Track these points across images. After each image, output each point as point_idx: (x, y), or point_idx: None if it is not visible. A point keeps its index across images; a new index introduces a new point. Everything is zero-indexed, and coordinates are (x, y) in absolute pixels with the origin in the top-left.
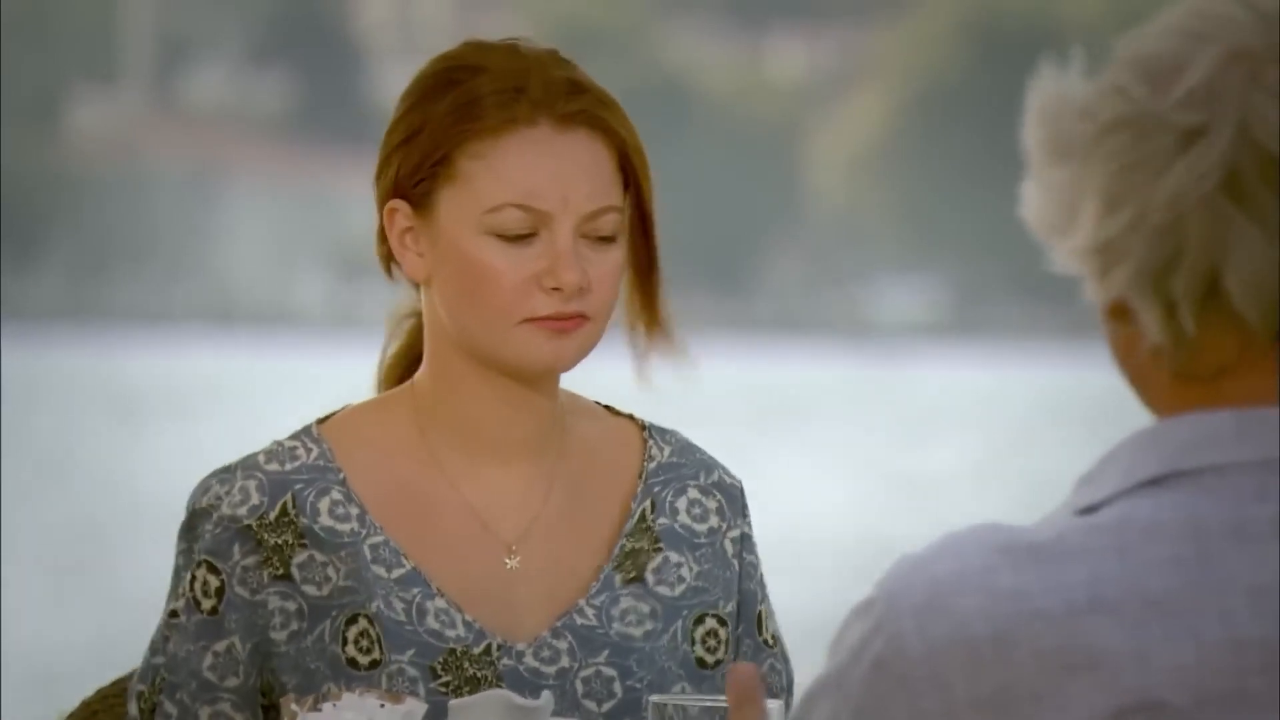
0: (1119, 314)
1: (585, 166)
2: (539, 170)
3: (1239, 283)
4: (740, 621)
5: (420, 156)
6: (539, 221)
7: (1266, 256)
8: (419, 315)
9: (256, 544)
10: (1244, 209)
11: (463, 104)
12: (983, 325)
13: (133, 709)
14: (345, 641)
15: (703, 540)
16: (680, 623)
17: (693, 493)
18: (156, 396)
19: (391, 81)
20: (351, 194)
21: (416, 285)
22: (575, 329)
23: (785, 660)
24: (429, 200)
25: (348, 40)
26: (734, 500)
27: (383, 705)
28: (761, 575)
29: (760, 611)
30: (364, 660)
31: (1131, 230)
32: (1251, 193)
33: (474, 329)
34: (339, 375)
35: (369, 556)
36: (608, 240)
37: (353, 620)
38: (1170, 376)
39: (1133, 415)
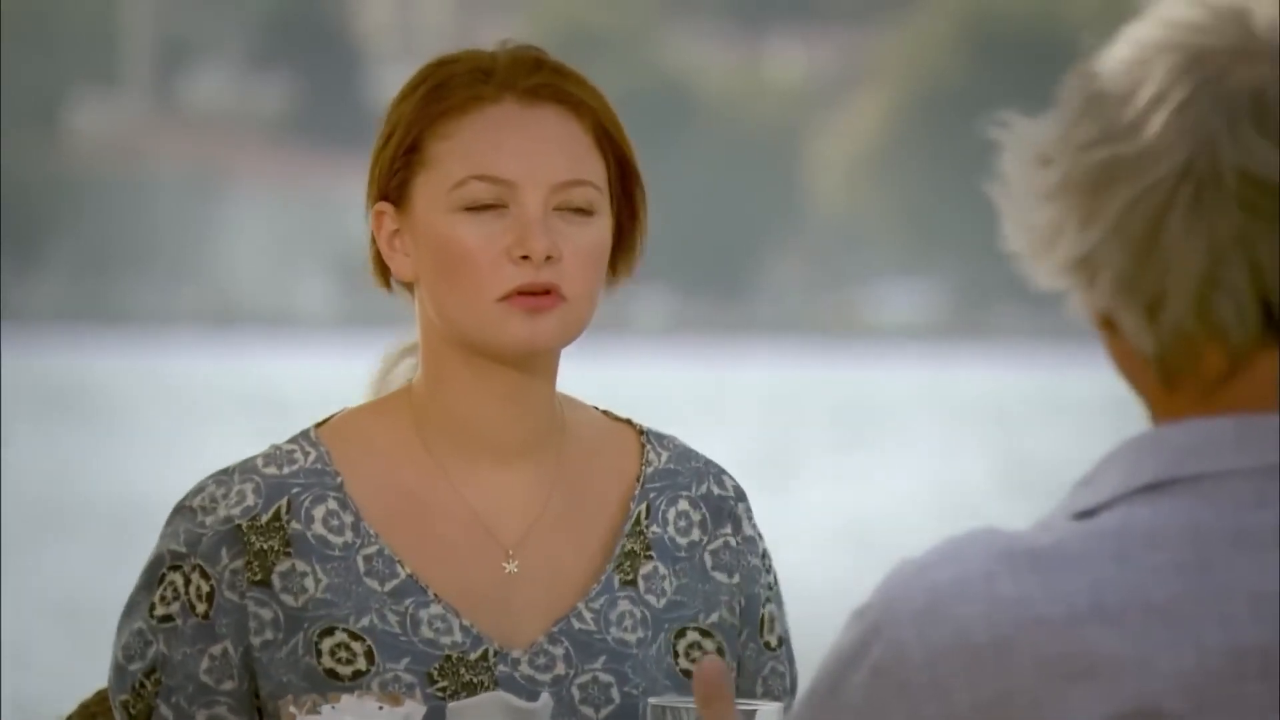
0: (1106, 324)
1: (553, 139)
2: (503, 143)
3: (1209, 287)
4: (745, 625)
5: (394, 148)
6: (506, 194)
7: (1232, 259)
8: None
9: (243, 547)
10: (1206, 213)
11: (431, 90)
12: (982, 328)
13: (121, 717)
14: (320, 654)
15: (683, 554)
16: (664, 635)
17: (682, 504)
18: (158, 399)
19: (391, 84)
20: (352, 197)
21: (410, 289)
22: (551, 307)
23: (790, 663)
24: (406, 192)
25: (348, 43)
26: (720, 512)
27: (381, 707)
28: (771, 578)
29: (764, 614)
30: (345, 671)
31: (1105, 242)
32: (1212, 197)
33: (455, 313)
34: (340, 378)
35: (362, 569)
36: (584, 215)
37: (328, 632)
38: (1160, 386)
39: (1131, 417)
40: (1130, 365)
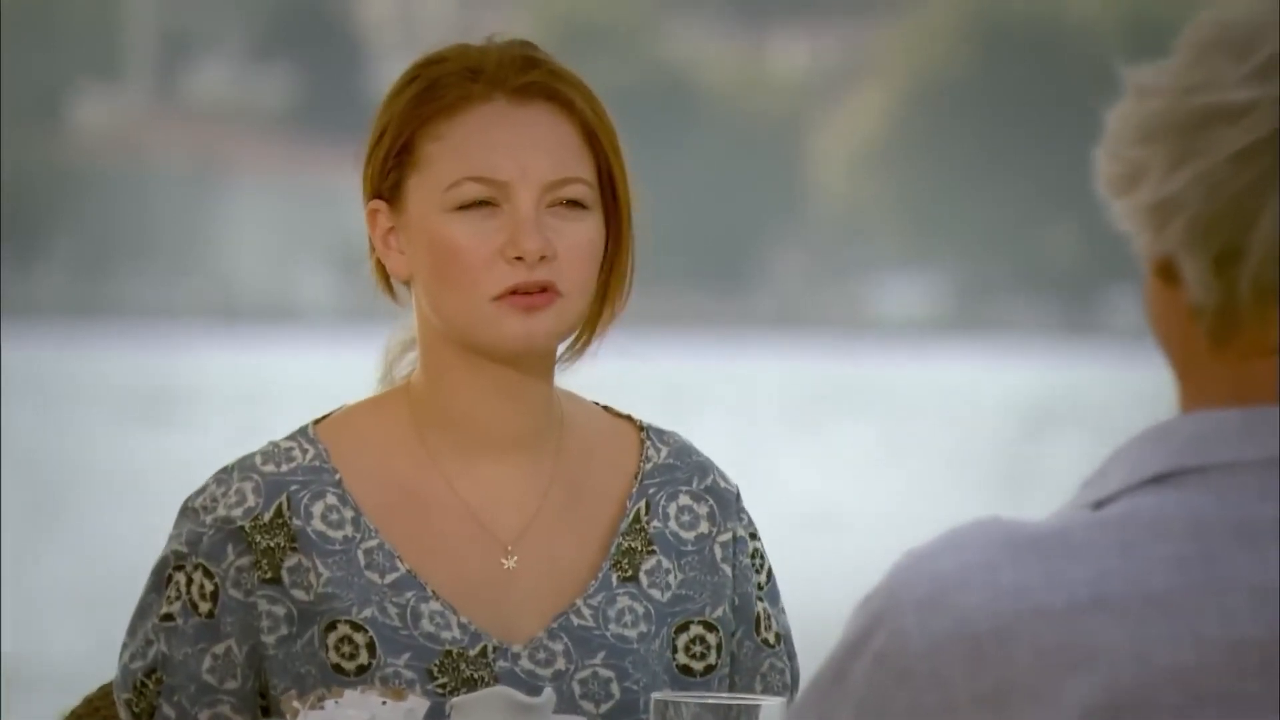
0: (1165, 272)
1: (543, 137)
2: (495, 143)
3: (1269, 247)
4: (739, 623)
5: (387, 148)
6: (499, 193)
7: None
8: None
9: (248, 546)
10: None
11: (422, 90)
12: (984, 321)
13: (125, 716)
14: (327, 649)
15: (690, 548)
16: (666, 629)
17: (684, 499)
18: (158, 393)
19: (393, 78)
20: (354, 190)
21: (408, 286)
22: (546, 305)
23: (790, 658)
24: (400, 192)
25: (350, 37)
26: (727, 505)
27: (384, 702)
28: (765, 577)
29: (759, 612)
30: (349, 666)
31: (1190, 186)
32: None
33: (451, 313)
34: (341, 372)
35: (363, 562)
36: (576, 211)
37: (331, 627)
38: (1208, 344)
39: (1132, 412)
40: (1174, 320)
